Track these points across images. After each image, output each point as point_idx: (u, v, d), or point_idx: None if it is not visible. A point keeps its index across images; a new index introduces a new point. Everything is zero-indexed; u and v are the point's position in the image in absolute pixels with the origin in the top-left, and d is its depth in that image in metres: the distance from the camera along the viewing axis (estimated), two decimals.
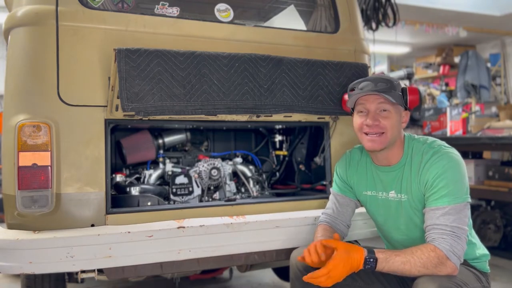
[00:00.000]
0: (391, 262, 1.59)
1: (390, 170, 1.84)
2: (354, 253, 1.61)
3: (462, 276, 1.61)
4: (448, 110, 4.40)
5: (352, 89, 1.85)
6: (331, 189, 2.08)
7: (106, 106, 1.91)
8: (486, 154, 4.51)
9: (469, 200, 1.67)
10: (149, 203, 2.13)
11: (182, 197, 2.36)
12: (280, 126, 2.70)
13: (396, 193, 1.82)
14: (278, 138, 2.80)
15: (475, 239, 1.83)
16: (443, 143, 1.78)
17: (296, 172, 2.69)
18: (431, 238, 1.62)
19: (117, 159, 2.60)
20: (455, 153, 1.73)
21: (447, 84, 7.66)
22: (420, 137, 1.84)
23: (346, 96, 2.04)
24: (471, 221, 1.78)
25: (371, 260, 1.60)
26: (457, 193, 1.65)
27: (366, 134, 1.78)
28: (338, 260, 1.59)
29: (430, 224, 1.65)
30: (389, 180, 1.84)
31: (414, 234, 1.82)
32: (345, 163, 2.02)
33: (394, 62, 9.83)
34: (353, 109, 1.88)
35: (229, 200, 2.22)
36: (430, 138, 1.82)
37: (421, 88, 4.89)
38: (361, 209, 2.06)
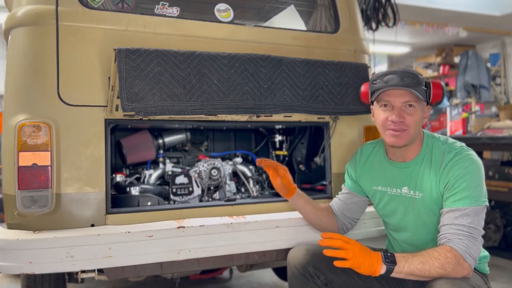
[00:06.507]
0: (410, 261, 1.53)
1: (404, 166, 1.81)
2: (369, 251, 1.56)
3: (474, 278, 1.59)
4: (448, 110, 4.40)
5: (374, 81, 1.76)
6: (343, 185, 2.08)
7: (106, 106, 1.91)
8: (486, 154, 4.51)
9: (487, 204, 1.65)
10: (149, 203, 2.13)
11: (182, 197, 2.36)
12: (280, 126, 2.70)
13: (409, 189, 1.79)
14: (278, 138, 2.79)
15: None
16: (464, 144, 1.75)
17: (296, 172, 2.68)
18: (447, 238, 1.59)
19: (117, 159, 2.60)
20: (476, 155, 1.71)
21: (447, 84, 7.67)
22: (440, 136, 1.80)
23: (363, 87, 1.98)
24: None
25: (389, 254, 1.55)
26: (477, 195, 1.63)
27: (389, 129, 1.73)
28: (357, 250, 1.53)
29: (447, 224, 1.61)
30: (403, 176, 1.81)
31: (420, 232, 1.80)
32: (355, 160, 2.02)
33: (394, 62, 9.84)
34: (372, 100, 1.81)
35: (229, 200, 2.22)
36: (450, 139, 1.78)
37: None
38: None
